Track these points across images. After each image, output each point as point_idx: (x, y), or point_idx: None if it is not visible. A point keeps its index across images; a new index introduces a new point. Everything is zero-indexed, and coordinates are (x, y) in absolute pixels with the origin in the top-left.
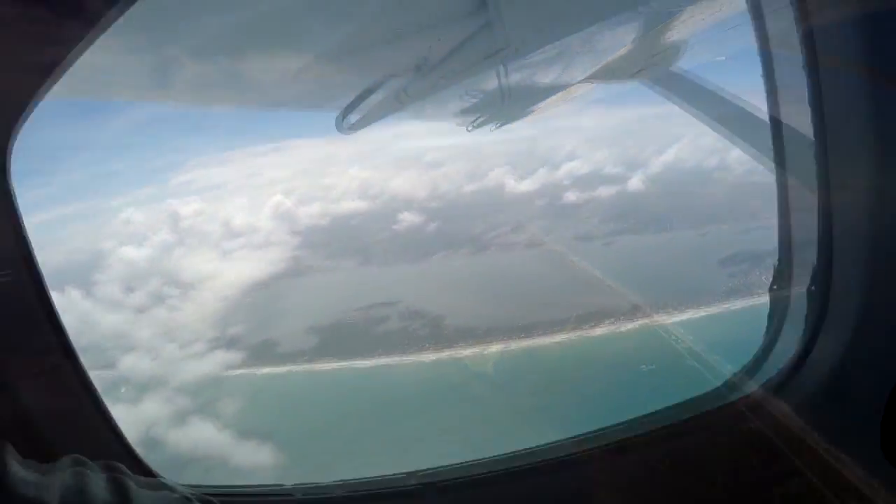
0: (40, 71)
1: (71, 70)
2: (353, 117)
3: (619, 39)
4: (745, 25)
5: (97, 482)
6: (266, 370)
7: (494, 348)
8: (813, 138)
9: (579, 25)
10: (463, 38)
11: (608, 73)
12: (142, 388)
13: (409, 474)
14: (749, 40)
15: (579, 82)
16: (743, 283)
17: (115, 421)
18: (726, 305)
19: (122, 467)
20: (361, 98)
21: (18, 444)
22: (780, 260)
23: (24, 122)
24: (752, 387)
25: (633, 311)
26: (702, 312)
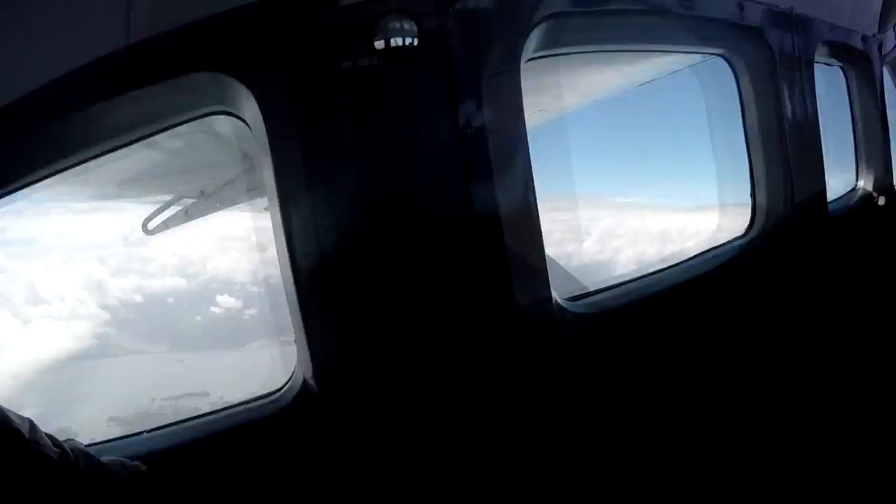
0: None
1: None
2: (155, 222)
3: None
4: None
5: None
6: None
7: None
8: None
9: None
10: (230, 177)
11: None
12: None
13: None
14: None
15: None
16: None
17: None
18: None
19: None
20: (161, 209)
21: None
22: None
23: None
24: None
25: None
26: None
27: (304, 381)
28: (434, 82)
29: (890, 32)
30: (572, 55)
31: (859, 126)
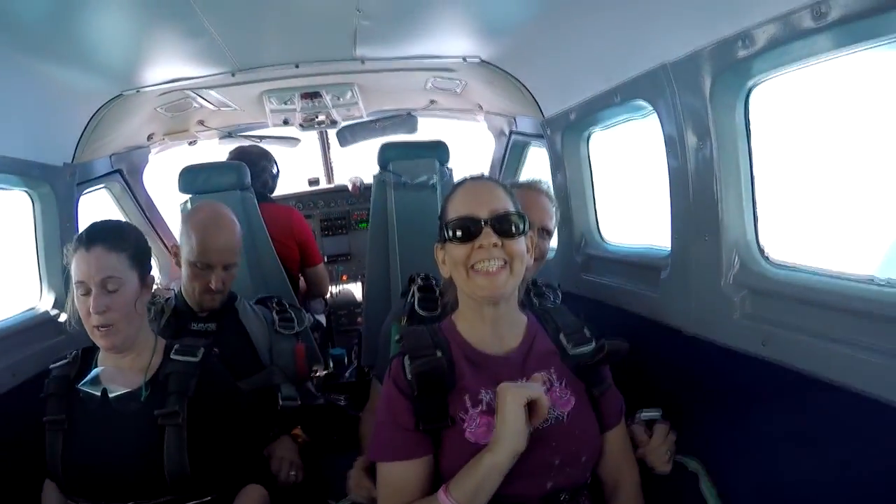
0: None
1: None
2: None
3: None
4: None
5: None
6: None
7: None
8: None
9: None
10: None
11: None
12: None
13: None
14: None
15: None
16: None
17: None
18: None
19: None
20: None
21: None
22: None
23: None
24: None
25: None
26: None
27: None
28: None
29: (95, 160)
30: None
31: (41, 245)
